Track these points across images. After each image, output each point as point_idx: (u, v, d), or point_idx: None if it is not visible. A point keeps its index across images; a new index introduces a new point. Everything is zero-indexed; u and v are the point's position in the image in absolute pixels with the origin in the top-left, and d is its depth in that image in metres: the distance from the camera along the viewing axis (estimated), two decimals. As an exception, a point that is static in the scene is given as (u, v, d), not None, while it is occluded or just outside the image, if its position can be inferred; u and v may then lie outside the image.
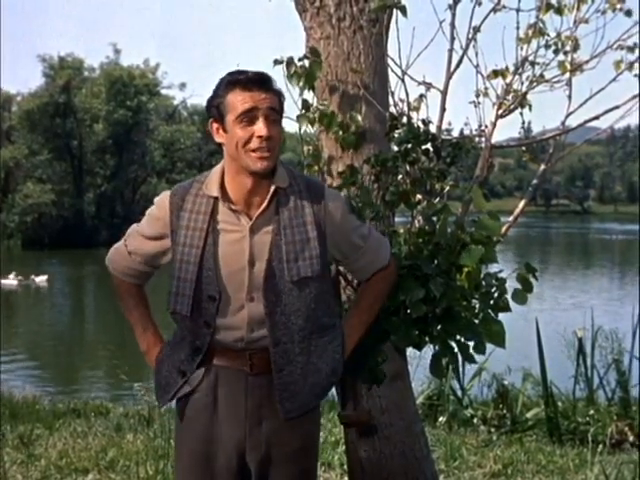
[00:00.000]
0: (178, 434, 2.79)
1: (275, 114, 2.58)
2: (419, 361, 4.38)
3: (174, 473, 2.89)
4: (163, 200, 2.71)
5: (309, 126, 3.31)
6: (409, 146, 3.24)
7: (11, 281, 30.30)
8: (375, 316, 2.86)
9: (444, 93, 3.55)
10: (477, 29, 3.61)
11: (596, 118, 3.64)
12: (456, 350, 2.97)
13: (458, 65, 3.58)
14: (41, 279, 30.51)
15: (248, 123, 2.53)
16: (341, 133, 3.29)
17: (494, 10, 3.64)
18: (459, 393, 8.29)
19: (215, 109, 2.60)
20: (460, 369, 8.05)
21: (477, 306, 2.96)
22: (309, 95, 3.37)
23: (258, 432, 2.64)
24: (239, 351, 2.63)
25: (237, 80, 2.55)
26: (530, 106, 3.72)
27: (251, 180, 2.60)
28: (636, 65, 3.74)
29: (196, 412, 2.69)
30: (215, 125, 2.62)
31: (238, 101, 2.54)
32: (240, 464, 2.64)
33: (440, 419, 7.86)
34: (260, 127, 2.53)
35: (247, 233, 2.60)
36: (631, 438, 6.81)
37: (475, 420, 7.73)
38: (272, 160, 2.58)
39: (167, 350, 2.79)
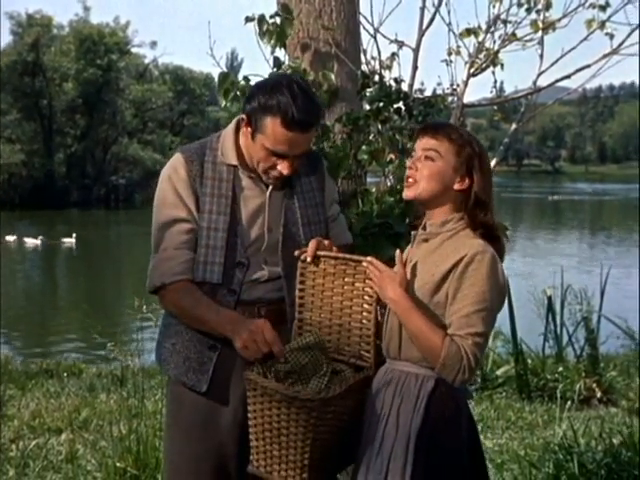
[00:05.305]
0: (177, 396, 2.75)
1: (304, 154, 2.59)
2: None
3: (171, 438, 2.80)
4: (178, 164, 2.65)
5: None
6: (381, 105, 3.25)
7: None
8: None
9: (416, 51, 3.55)
10: (449, -13, 3.60)
11: (567, 77, 3.66)
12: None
13: (430, 23, 3.57)
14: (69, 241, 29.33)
15: (275, 155, 2.53)
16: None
17: (467, -33, 3.63)
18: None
19: (251, 115, 2.54)
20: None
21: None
22: (281, 53, 3.36)
23: None
24: (246, 304, 2.64)
25: (284, 112, 2.46)
26: (502, 65, 3.72)
27: None
28: (607, 24, 3.74)
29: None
30: (244, 123, 2.58)
31: (275, 136, 2.49)
32: (246, 415, 2.58)
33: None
34: (285, 166, 2.54)
35: (266, 199, 2.64)
36: (599, 394, 6.92)
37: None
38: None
39: (183, 334, 2.68)
